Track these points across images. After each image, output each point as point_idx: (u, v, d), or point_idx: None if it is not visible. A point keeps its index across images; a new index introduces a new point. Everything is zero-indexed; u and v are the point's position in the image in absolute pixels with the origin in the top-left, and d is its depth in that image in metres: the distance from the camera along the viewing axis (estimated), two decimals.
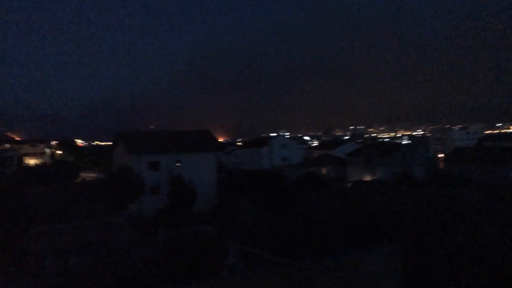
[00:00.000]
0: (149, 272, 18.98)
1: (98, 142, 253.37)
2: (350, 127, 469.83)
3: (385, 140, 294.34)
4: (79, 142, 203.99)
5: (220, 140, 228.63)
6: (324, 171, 79.47)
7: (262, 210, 35.16)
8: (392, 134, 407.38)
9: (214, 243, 20.90)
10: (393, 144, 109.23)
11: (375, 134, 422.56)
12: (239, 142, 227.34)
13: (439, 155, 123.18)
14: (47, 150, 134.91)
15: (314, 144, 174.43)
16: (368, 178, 70.96)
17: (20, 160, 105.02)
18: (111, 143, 71.59)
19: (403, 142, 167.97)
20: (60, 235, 24.64)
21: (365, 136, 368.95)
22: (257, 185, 44.29)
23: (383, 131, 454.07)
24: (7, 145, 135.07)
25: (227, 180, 50.23)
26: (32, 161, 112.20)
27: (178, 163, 48.03)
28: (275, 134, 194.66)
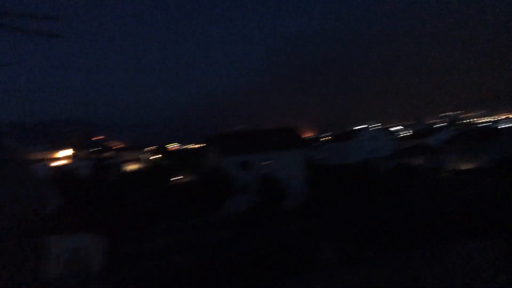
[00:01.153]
0: (244, 269, 19.37)
1: (191, 145, 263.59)
2: (444, 114, 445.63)
3: (483, 124, 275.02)
4: (173, 146, 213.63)
5: (308, 135, 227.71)
6: (417, 161, 76.09)
7: (353, 204, 34.45)
8: (491, 118, 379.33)
9: (307, 239, 20.85)
10: (493, 129, 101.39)
11: (471, 119, 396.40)
12: (327, 136, 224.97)
13: None
14: (144, 156, 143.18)
15: (406, 134, 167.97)
16: (467, 166, 66.79)
17: (120, 167, 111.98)
18: (202, 146, 74.20)
19: (503, 126, 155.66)
20: (161, 236, 25.96)
21: (460, 122, 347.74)
22: (346, 180, 43.48)
23: (480, 116, 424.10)
24: (108, 154, 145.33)
25: (315, 176, 49.88)
26: (131, 167, 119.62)
27: (267, 161, 48.58)
28: (364, 126, 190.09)
